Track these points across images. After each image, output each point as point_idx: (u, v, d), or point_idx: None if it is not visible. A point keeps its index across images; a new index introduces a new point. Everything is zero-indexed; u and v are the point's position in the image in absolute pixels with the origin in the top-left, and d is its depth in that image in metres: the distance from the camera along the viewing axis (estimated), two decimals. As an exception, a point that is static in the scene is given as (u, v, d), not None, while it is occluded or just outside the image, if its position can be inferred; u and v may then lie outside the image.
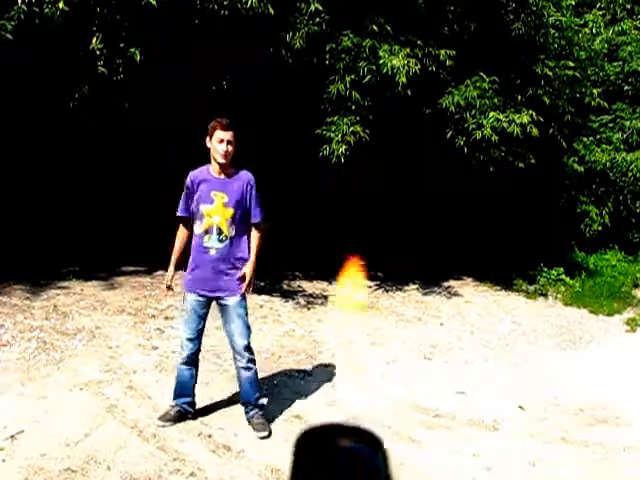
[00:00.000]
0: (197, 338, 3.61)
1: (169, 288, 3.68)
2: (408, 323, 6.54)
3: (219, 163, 3.46)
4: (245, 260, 3.55)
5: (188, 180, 3.56)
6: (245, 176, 3.53)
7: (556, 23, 7.90)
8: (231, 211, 3.48)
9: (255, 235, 3.62)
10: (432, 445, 3.71)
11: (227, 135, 3.42)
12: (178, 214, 3.64)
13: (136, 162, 7.39)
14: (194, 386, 3.70)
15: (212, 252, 3.48)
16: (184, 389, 3.66)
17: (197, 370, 3.70)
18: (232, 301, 3.52)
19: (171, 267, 3.65)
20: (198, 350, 3.66)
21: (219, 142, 3.41)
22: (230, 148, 3.43)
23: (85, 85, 6.05)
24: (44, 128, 6.83)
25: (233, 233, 3.50)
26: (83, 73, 5.91)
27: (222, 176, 3.50)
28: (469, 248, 8.63)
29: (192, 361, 3.64)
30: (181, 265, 3.71)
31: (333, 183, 7.57)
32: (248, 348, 3.60)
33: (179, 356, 3.68)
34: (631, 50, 10.35)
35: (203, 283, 3.52)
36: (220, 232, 3.48)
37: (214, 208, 3.46)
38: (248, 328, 3.63)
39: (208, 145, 3.48)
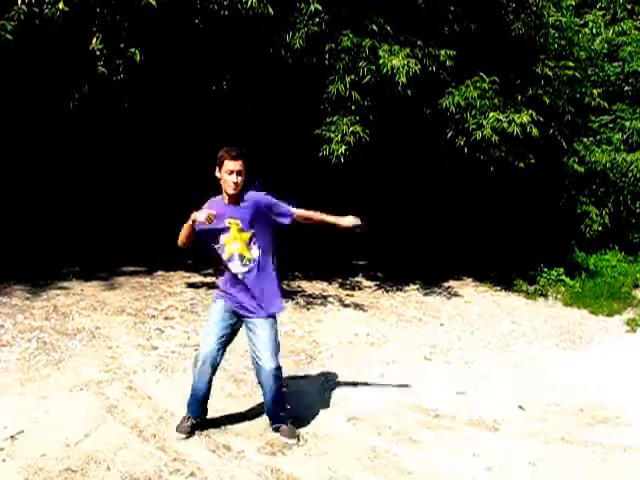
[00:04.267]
0: (220, 348, 3.47)
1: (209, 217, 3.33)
2: (408, 323, 6.54)
3: (229, 194, 3.41)
4: (273, 278, 3.59)
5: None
6: (251, 197, 3.46)
7: (556, 23, 7.91)
8: (247, 234, 3.45)
9: (303, 216, 3.57)
10: (432, 445, 3.70)
11: (236, 165, 3.34)
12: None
13: (136, 162, 7.40)
14: (208, 397, 3.58)
15: (240, 276, 3.47)
16: (200, 403, 3.55)
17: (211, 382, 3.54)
18: (260, 321, 3.50)
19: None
20: (218, 363, 3.49)
21: (229, 174, 3.34)
22: (240, 179, 3.36)
23: (85, 85, 6.05)
24: (44, 128, 6.83)
25: (257, 254, 3.48)
26: (83, 73, 5.91)
27: (233, 204, 3.44)
28: (469, 249, 8.63)
29: (211, 374, 3.47)
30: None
31: (333, 183, 7.57)
32: (276, 368, 3.49)
33: (197, 368, 3.47)
34: (631, 50, 10.37)
35: (233, 301, 3.51)
36: (242, 257, 3.46)
37: (231, 236, 3.43)
38: (277, 347, 3.55)
39: (217, 175, 3.41)
